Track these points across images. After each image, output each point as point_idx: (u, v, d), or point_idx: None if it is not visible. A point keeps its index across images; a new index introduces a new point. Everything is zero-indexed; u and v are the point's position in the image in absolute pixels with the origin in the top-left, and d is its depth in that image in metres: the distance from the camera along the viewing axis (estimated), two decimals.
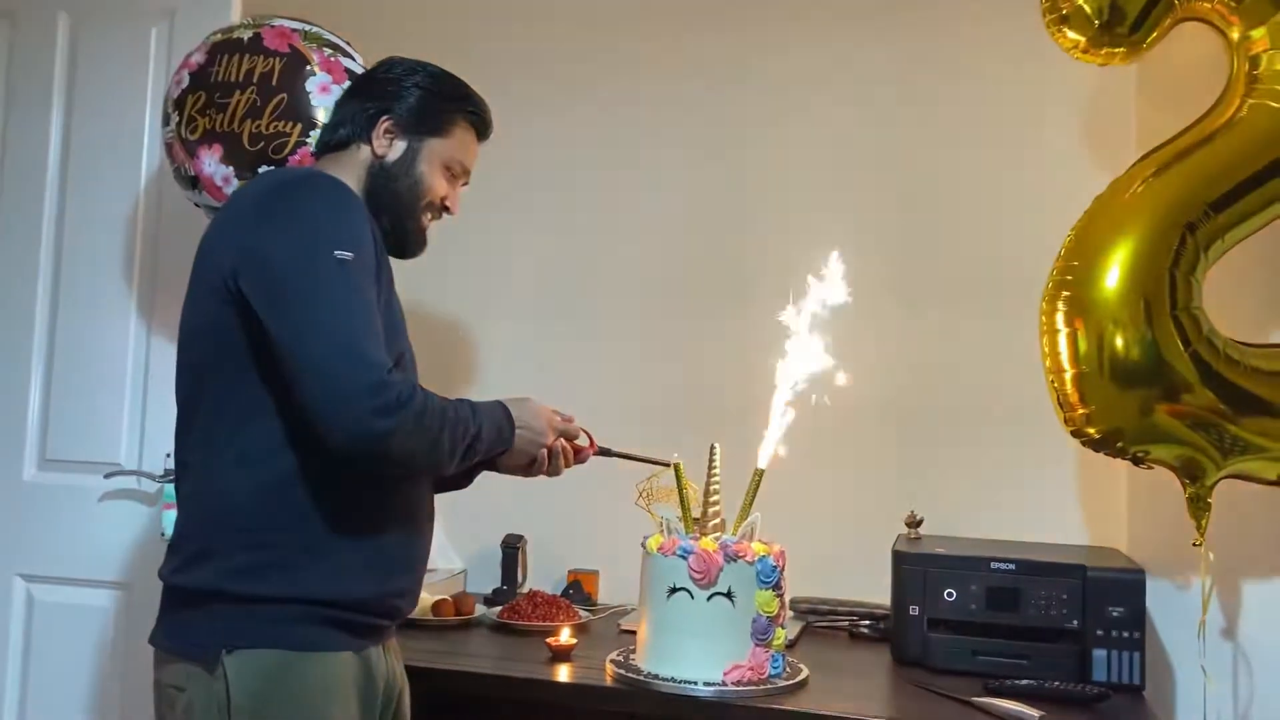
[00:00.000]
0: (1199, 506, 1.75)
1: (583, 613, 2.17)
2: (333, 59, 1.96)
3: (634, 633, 1.84)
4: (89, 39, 2.37)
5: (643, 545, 1.77)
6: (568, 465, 1.67)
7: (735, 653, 1.69)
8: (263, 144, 1.89)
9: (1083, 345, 1.69)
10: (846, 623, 2.18)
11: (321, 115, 1.87)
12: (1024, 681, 1.76)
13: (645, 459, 1.79)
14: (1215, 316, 1.73)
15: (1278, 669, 1.92)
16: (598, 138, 2.57)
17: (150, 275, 2.30)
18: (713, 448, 1.80)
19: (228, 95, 1.90)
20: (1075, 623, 1.85)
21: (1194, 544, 1.78)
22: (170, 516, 1.93)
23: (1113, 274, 1.68)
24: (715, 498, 1.78)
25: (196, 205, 2.03)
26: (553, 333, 2.57)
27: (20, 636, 2.30)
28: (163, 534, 2.18)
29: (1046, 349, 1.75)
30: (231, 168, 1.91)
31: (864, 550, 2.12)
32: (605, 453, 1.74)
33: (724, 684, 1.67)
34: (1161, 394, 1.67)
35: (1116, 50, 1.80)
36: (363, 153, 1.56)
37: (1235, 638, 1.94)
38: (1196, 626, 1.83)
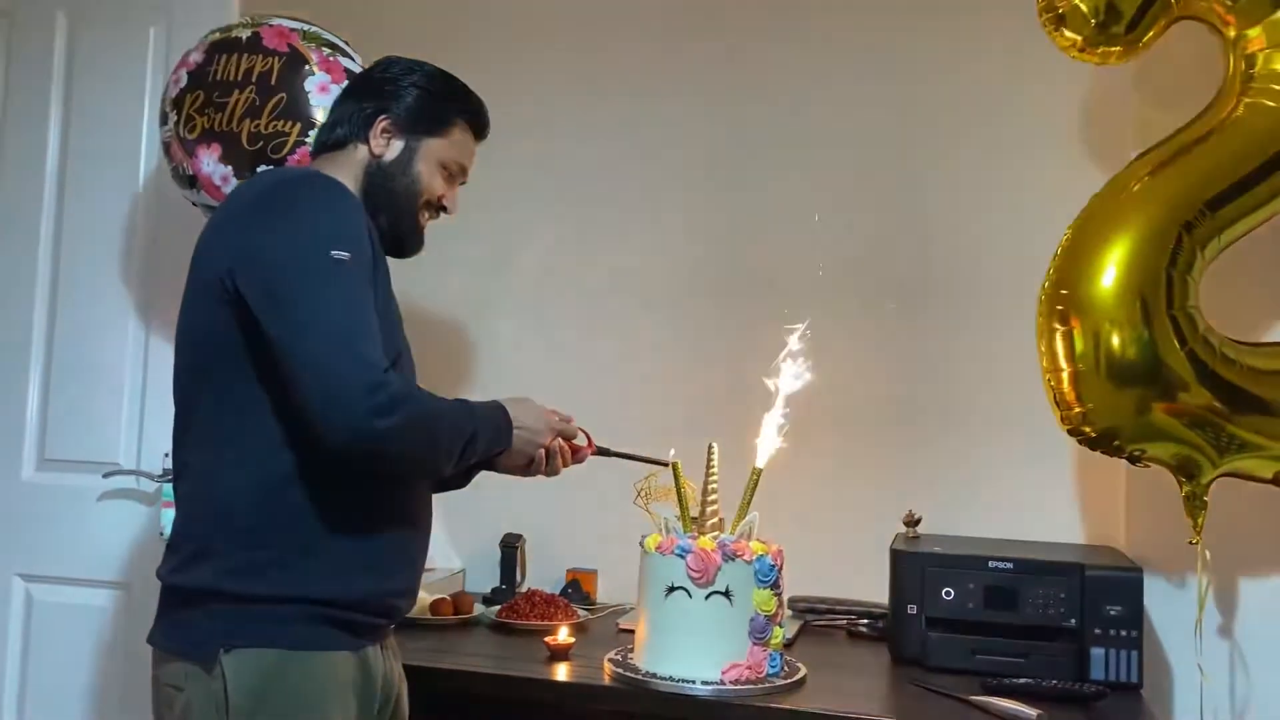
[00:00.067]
0: (1195, 505, 1.75)
1: (581, 612, 2.18)
2: (332, 59, 1.96)
3: (632, 632, 1.84)
4: (87, 38, 2.37)
5: (641, 544, 1.77)
6: (566, 465, 1.67)
7: (733, 652, 1.69)
8: (261, 143, 1.90)
9: (1079, 344, 1.69)
10: (845, 622, 2.18)
11: (320, 115, 1.87)
12: (1022, 680, 1.76)
13: (643, 458, 1.79)
14: (1211, 315, 1.73)
15: (1274, 666, 1.92)
16: (597, 137, 2.57)
17: (148, 275, 2.30)
18: (711, 447, 1.80)
19: (226, 95, 1.90)
20: (1073, 621, 1.85)
21: (1190, 542, 1.78)
22: (169, 515, 1.93)
23: (1109, 273, 1.69)
24: (713, 497, 1.78)
25: (194, 204, 2.03)
26: (551, 333, 2.57)
27: (19, 636, 2.30)
28: (161, 533, 2.18)
29: (1043, 347, 1.75)
30: (230, 167, 1.91)
31: (862, 549, 2.12)
32: (603, 452, 1.74)
33: (722, 683, 1.67)
34: (1158, 393, 1.67)
35: (1113, 49, 1.80)
36: (360, 152, 1.56)
37: (1232, 635, 1.95)
38: (1194, 625, 1.83)
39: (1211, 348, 1.69)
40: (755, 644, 1.69)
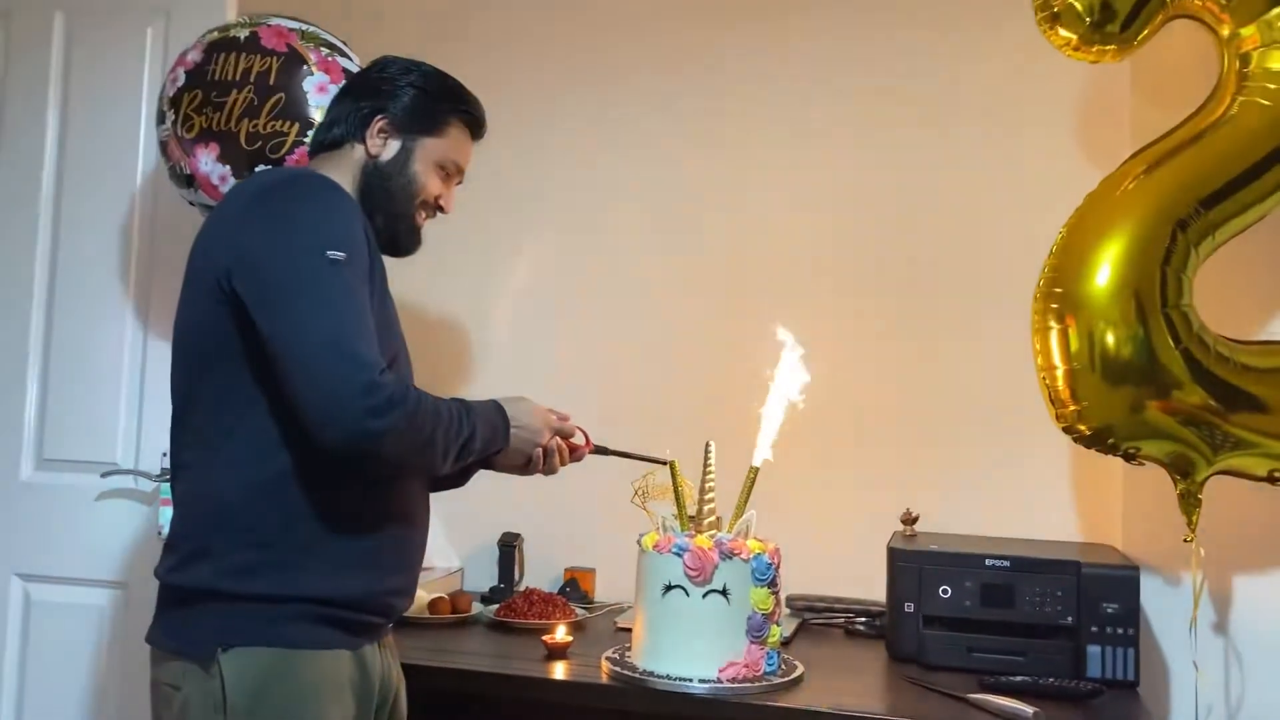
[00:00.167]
0: (1190, 502, 1.75)
1: (579, 611, 2.18)
2: (330, 59, 1.96)
3: (630, 630, 1.84)
4: (84, 38, 2.37)
5: (638, 543, 1.77)
6: (564, 464, 1.67)
7: (731, 650, 1.69)
8: (260, 143, 1.90)
9: (1074, 342, 1.70)
10: (842, 620, 2.18)
11: (319, 115, 1.86)
12: (1019, 678, 1.76)
13: (641, 457, 1.79)
14: (1206, 313, 1.73)
15: (1270, 663, 1.92)
16: (595, 137, 2.57)
17: (146, 274, 2.30)
18: (708, 446, 1.81)
19: (224, 94, 1.90)
20: (1070, 619, 1.85)
21: (1185, 540, 1.78)
22: (168, 513, 1.93)
23: (1104, 271, 1.69)
24: (710, 495, 1.79)
25: (192, 204, 2.03)
26: (549, 332, 2.57)
27: (18, 636, 2.30)
28: (160, 532, 2.18)
29: (1038, 346, 1.76)
30: (228, 166, 1.91)
31: (859, 547, 2.13)
32: (601, 451, 1.74)
33: (719, 681, 1.67)
34: (1152, 391, 1.68)
35: (1108, 48, 1.81)
36: (357, 152, 1.56)
37: (1227, 633, 1.95)
38: (1189, 622, 1.84)
39: (1206, 346, 1.69)
40: (752, 642, 1.70)
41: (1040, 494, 2.23)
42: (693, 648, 1.69)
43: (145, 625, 1.45)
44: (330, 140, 1.58)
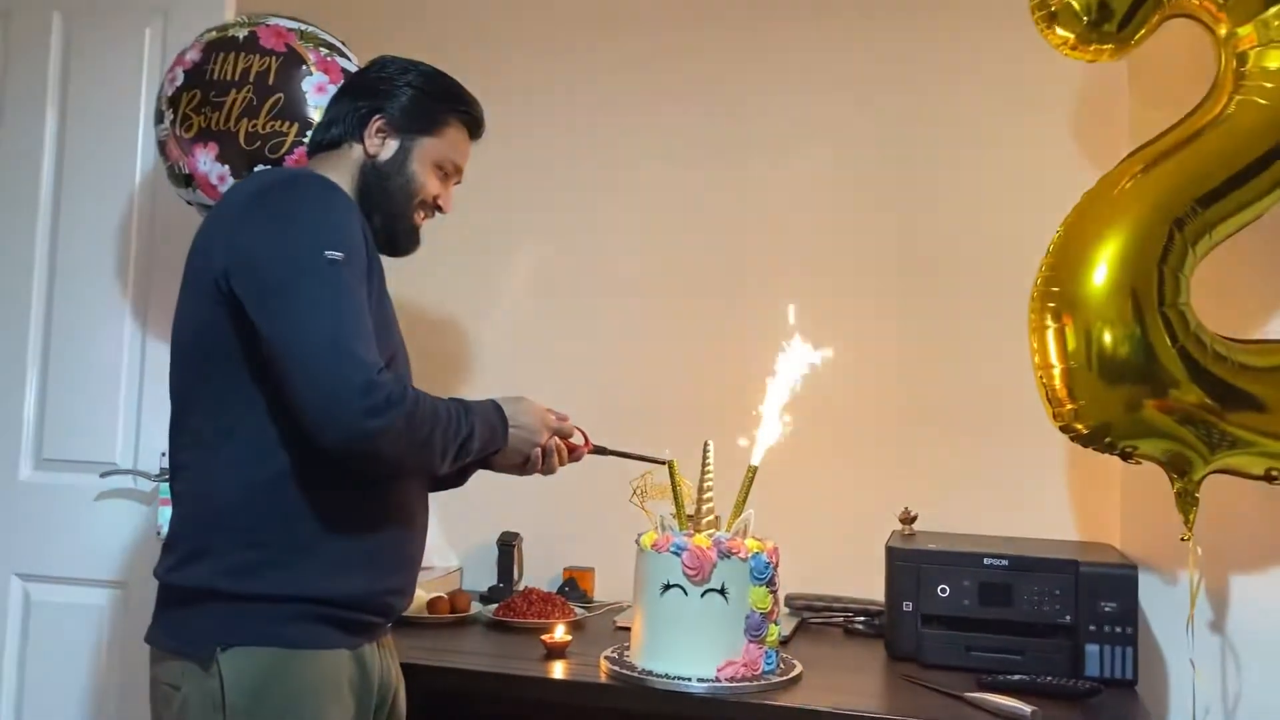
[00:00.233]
0: (1187, 501, 1.75)
1: (578, 610, 2.18)
2: (329, 59, 1.96)
3: (629, 630, 1.84)
4: (83, 37, 2.37)
5: (637, 542, 1.77)
6: (562, 463, 1.67)
7: (729, 649, 1.69)
8: (259, 143, 1.90)
9: (1071, 341, 1.70)
10: (841, 619, 2.18)
11: (318, 115, 1.87)
12: (1017, 676, 1.76)
13: (639, 456, 1.79)
14: (1203, 312, 1.74)
15: (1266, 661, 1.92)
16: (593, 136, 2.57)
17: (145, 274, 2.31)
18: (706, 445, 1.81)
19: (223, 94, 1.90)
20: (1068, 618, 1.85)
21: (1182, 539, 1.79)
22: (167, 513, 1.93)
23: (1101, 270, 1.69)
24: (709, 495, 1.79)
25: (190, 203, 2.03)
26: (547, 331, 2.57)
27: (17, 635, 2.30)
28: (159, 531, 2.19)
29: (1035, 345, 1.76)
30: (227, 166, 1.91)
31: (858, 546, 2.13)
32: (600, 450, 1.74)
33: (718, 680, 1.67)
34: (1149, 389, 1.68)
35: (1105, 47, 1.81)
36: (355, 152, 1.57)
37: (1224, 631, 1.95)
38: (1186, 621, 1.84)
39: (1203, 344, 1.70)
40: (751, 641, 1.70)
41: (1038, 493, 2.23)
42: (691, 647, 1.69)
43: (144, 625, 1.45)
44: (328, 140, 1.58)
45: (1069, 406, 1.72)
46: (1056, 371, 1.72)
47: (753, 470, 1.80)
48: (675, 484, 1.80)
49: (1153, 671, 1.96)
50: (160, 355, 2.14)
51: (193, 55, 1.96)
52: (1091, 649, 1.84)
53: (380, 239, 1.55)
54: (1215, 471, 1.75)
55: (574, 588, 2.36)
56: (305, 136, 1.88)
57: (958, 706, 1.67)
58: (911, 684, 1.79)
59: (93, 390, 2.30)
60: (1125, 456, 1.75)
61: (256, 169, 1.89)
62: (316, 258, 1.34)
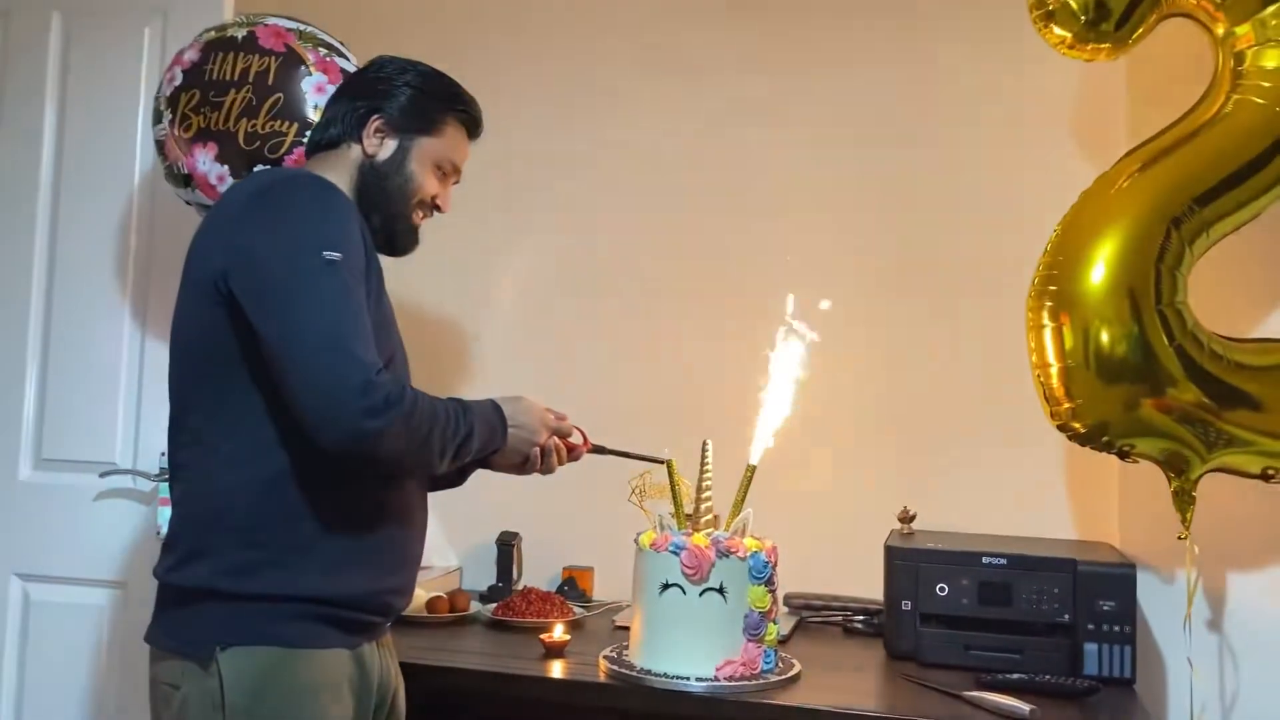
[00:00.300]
0: (1184, 500, 1.76)
1: (577, 609, 2.18)
2: (328, 59, 1.96)
3: (628, 629, 1.84)
4: (82, 37, 2.38)
5: (636, 542, 1.78)
6: (561, 463, 1.67)
7: (728, 648, 1.69)
8: (258, 143, 1.90)
9: (1069, 340, 1.70)
10: (840, 618, 2.18)
11: (317, 116, 1.87)
12: (1015, 675, 1.77)
13: (638, 456, 1.79)
14: (1200, 311, 1.74)
15: (1263, 659, 1.93)
16: (591, 136, 2.57)
17: (144, 273, 2.31)
18: (705, 444, 1.81)
19: (222, 94, 1.90)
20: (1066, 617, 1.85)
21: (1179, 537, 1.79)
22: (167, 513, 1.93)
23: (1098, 269, 1.69)
24: (707, 494, 1.79)
25: (188, 203, 2.03)
26: (546, 331, 2.57)
27: (17, 635, 2.30)
28: (158, 531, 2.19)
29: (1033, 344, 1.76)
30: (226, 166, 1.92)
31: (857, 545, 2.13)
32: (599, 450, 1.74)
33: (716, 679, 1.68)
34: (1147, 388, 1.68)
35: (1102, 46, 1.81)
36: (353, 152, 1.57)
37: (1221, 629, 1.95)
38: (1183, 619, 1.84)
39: (1200, 343, 1.70)
40: (750, 640, 1.70)
41: (1037, 492, 2.23)
42: (690, 646, 1.69)
43: (144, 625, 1.46)
44: (327, 140, 1.58)
45: (1066, 405, 1.73)
46: (1054, 370, 1.72)
47: (751, 469, 1.80)
48: (674, 483, 1.81)
49: (1151, 670, 1.96)
50: (160, 355, 2.15)
51: (191, 55, 1.96)
52: (1090, 648, 1.84)
53: (379, 239, 1.55)
54: (1212, 470, 1.75)
55: (573, 587, 2.36)
56: (304, 136, 1.88)
57: (957, 705, 1.67)
58: (910, 683, 1.80)
59: (92, 390, 2.30)
60: (1123, 455, 1.75)
61: (256, 169, 1.89)
62: (315, 258, 1.34)
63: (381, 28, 2.65)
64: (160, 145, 2.00)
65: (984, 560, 1.91)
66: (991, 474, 2.25)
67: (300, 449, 1.37)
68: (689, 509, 1.79)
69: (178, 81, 1.94)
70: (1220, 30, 1.78)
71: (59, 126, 2.37)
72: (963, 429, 2.28)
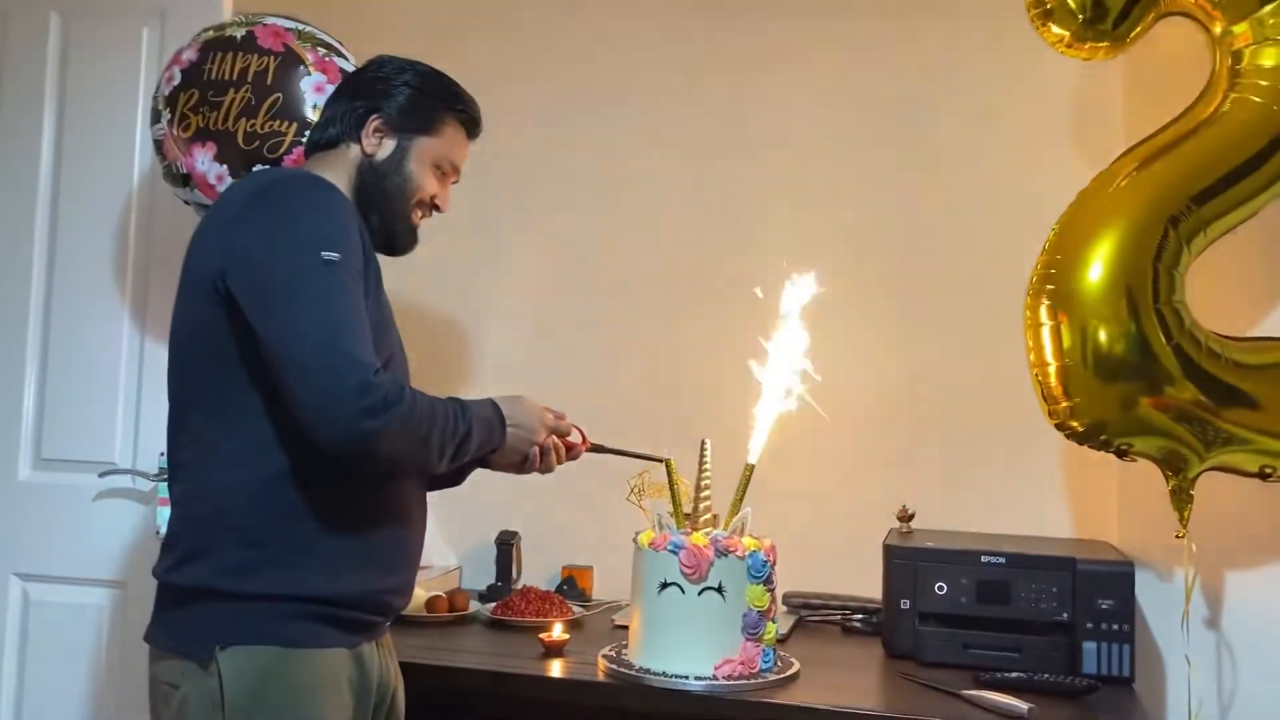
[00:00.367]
0: (1181, 498, 1.76)
1: (576, 608, 2.18)
2: (327, 59, 1.96)
3: (627, 628, 1.84)
4: (80, 38, 2.38)
5: (634, 541, 1.78)
6: (560, 462, 1.67)
7: (726, 647, 1.69)
8: (258, 143, 1.90)
9: (1066, 339, 1.70)
10: (839, 616, 2.18)
11: (316, 115, 1.87)
12: (1014, 674, 1.77)
13: (637, 455, 1.79)
14: (1197, 310, 1.74)
15: (1260, 657, 1.93)
16: (591, 136, 2.58)
17: (143, 273, 2.31)
18: (704, 443, 1.81)
19: (221, 93, 1.90)
20: (1065, 615, 1.86)
21: (1177, 536, 1.79)
22: (166, 513, 1.93)
23: (1096, 268, 1.69)
24: (706, 493, 1.79)
25: (187, 203, 2.03)
26: (545, 331, 2.57)
27: (16, 635, 2.31)
28: (158, 531, 2.19)
29: (1031, 343, 1.76)
30: (225, 166, 1.92)
31: (856, 544, 2.13)
32: (597, 449, 1.74)
33: (715, 678, 1.68)
34: (1145, 387, 1.68)
35: (1100, 45, 1.81)
36: (352, 151, 1.57)
37: (1219, 628, 1.95)
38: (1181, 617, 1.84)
39: (1198, 342, 1.70)
40: (748, 639, 1.70)
41: (1036, 490, 2.23)
42: (689, 645, 1.69)
43: (144, 624, 1.46)
44: (326, 140, 1.58)
45: (1064, 404, 1.73)
46: (1052, 369, 1.73)
47: (750, 468, 1.80)
48: (673, 482, 1.81)
49: (1150, 668, 1.96)
50: (159, 355, 2.16)
51: (190, 54, 1.96)
52: (1089, 646, 1.84)
53: (378, 239, 1.55)
54: (1210, 469, 1.75)
55: (572, 586, 2.37)
56: (304, 136, 1.88)
57: (955, 704, 1.67)
58: (909, 682, 1.80)
59: (91, 390, 2.30)
60: (1120, 454, 1.75)
61: (254, 169, 1.89)
62: (313, 258, 1.34)
63: (381, 28, 2.65)
64: (159, 145, 2.00)
65: (983, 559, 1.91)
66: (990, 473, 2.25)
67: (299, 449, 1.37)
68: (688, 508, 1.80)
69: (176, 81, 1.94)
70: (1218, 29, 1.78)
71: (58, 126, 2.37)
72: (961, 428, 2.28)
